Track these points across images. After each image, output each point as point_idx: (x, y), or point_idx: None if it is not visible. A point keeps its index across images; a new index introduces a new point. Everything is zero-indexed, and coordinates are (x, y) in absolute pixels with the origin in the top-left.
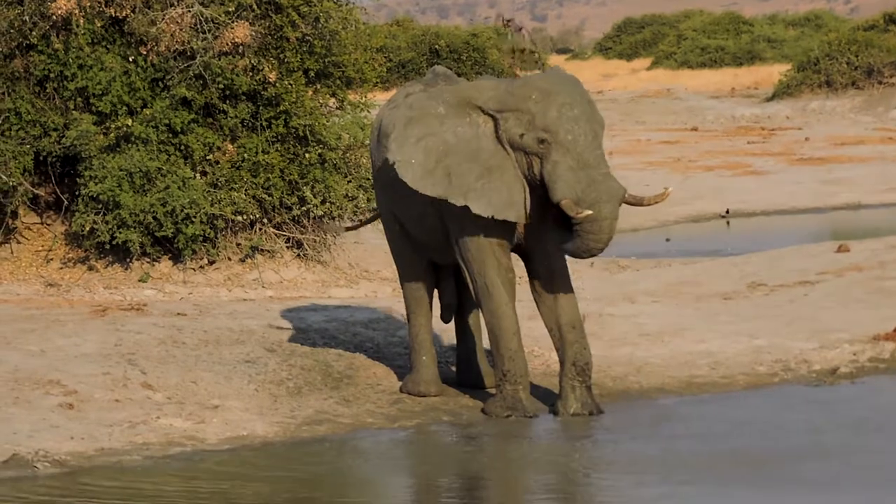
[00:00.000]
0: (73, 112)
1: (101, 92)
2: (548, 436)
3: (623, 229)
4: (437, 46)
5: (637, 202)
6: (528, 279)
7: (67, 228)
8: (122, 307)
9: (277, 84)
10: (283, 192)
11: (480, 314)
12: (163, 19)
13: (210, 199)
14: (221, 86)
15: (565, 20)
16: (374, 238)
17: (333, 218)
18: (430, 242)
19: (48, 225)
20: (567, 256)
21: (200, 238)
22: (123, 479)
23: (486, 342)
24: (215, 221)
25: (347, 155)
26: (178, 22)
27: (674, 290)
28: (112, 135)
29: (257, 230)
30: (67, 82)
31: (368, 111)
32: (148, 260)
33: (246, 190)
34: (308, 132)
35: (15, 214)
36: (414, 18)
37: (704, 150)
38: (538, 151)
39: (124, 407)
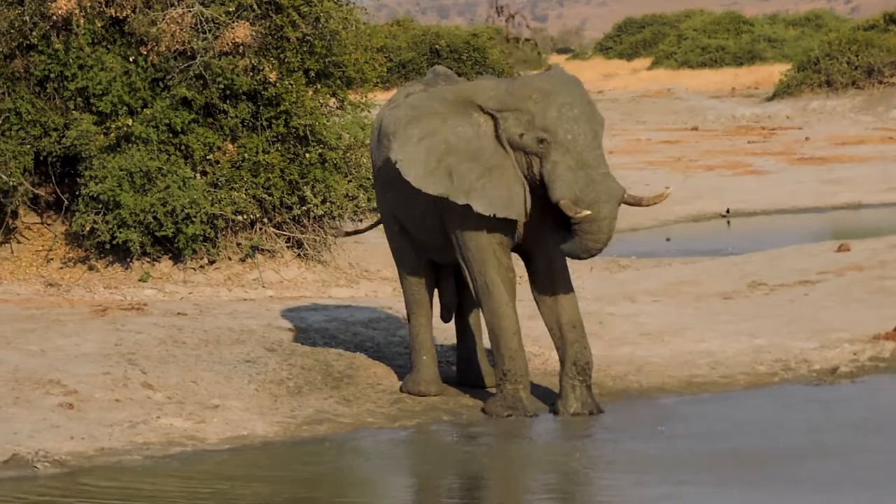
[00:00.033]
0: (74, 112)
1: (101, 92)
2: (548, 435)
3: (623, 229)
4: (437, 46)
5: (636, 202)
6: (528, 279)
7: (68, 228)
8: (123, 307)
9: (278, 84)
10: (283, 192)
11: (481, 314)
12: (163, 19)
13: (210, 198)
14: (222, 86)
15: (566, 20)
16: (375, 238)
17: (334, 217)
18: (430, 242)
19: (48, 225)
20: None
21: (201, 238)
22: (123, 478)
23: (486, 342)
24: (216, 221)
25: (348, 155)
26: (178, 22)
27: (674, 289)
28: (112, 135)
29: (257, 230)
30: (68, 82)
31: (369, 111)
32: (148, 260)
33: (246, 190)
34: (308, 132)
35: (15, 214)
36: (414, 18)
37: (705, 150)
38: (538, 151)
39: (124, 407)
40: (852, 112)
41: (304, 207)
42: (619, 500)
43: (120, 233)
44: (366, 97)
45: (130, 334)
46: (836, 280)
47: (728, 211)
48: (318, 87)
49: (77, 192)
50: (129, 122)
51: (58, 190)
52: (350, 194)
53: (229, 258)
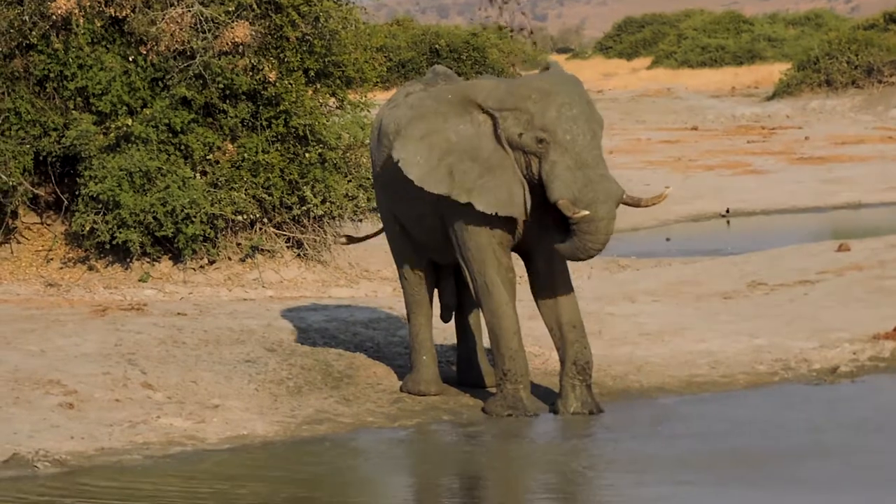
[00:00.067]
0: (73, 112)
1: (100, 92)
2: (548, 435)
3: (623, 228)
4: (437, 46)
5: (634, 203)
6: (528, 279)
7: (67, 228)
8: (123, 307)
9: (277, 84)
10: (283, 192)
11: (481, 313)
12: (163, 19)
13: (210, 198)
14: (221, 85)
15: (566, 19)
16: (375, 238)
17: (334, 217)
18: (430, 242)
19: (48, 225)
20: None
21: (200, 238)
22: (123, 478)
23: (486, 341)
24: (215, 221)
25: (347, 154)
26: (177, 21)
27: (674, 289)
28: (112, 134)
29: (257, 230)
30: (67, 82)
31: (368, 111)
32: (148, 260)
33: (246, 190)
34: (308, 132)
35: (15, 214)
36: (414, 18)
37: (705, 150)
38: (537, 151)
39: (124, 407)
40: (852, 111)
41: (304, 207)
42: (619, 500)
43: (120, 233)
44: (365, 97)
45: (130, 334)
46: (835, 280)
47: (728, 211)
48: (318, 86)
49: (77, 192)
50: (129, 121)
51: (57, 190)
52: (350, 194)
53: (229, 258)
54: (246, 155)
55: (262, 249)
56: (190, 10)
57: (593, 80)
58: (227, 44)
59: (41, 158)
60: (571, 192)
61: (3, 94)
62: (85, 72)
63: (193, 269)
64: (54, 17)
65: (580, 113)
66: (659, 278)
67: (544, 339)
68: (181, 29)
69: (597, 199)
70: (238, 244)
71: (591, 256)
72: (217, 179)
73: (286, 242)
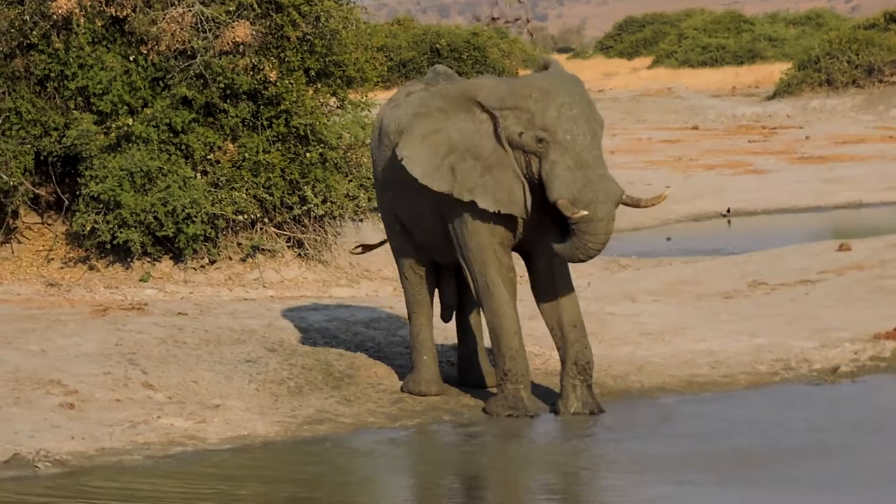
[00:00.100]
0: (74, 111)
1: (101, 91)
2: (549, 435)
3: (624, 228)
4: (437, 45)
5: (634, 203)
6: (529, 278)
7: (68, 228)
8: (123, 307)
9: (278, 83)
10: (283, 192)
11: (481, 313)
12: (163, 18)
13: (211, 198)
14: (222, 85)
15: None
16: (375, 238)
17: (334, 217)
18: (431, 242)
19: (49, 225)
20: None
21: (201, 237)
22: (124, 478)
23: (487, 341)
24: (216, 221)
25: (348, 154)
26: (178, 21)
27: (675, 288)
28: (113, 134)
29: (258, 230)
30: (68, 82)
31: (369, 110)
32: (149, 259)
33: (247, 189)
34: (309, 131)
35: (16, 214)
36: (415, 17)
37: (705, 149)
38: (536, 150)
39: (125, 407)
40: (853, 111)
41: (305, 207)
42: (619, 500)
43: (120, 233)
44: (366, 96)
45: (131, 334)
46: (836, 279)
47: (728, 210)
48: (319, 86)
49: (77, 192)
50: (130, 121)
51: (58, 190)
52: (350, 194)
53: (230, 258)
54: (247, 155)
55: (262, 249)
56: (191, 10)
57: (594, 79)
58: (228, 43)
59: (42, 158)
60: (571, 192)
61: (3, 93)
62: (86, 71)
63: (194, 268)
64: (55, 16)
65: (580, 113)
66: (660, 278)
67: (545, 339)
68: (182, 28)
69: (596, 200)
70: (239, 244)
71: (591, 257)
72: (218, 179)
73: (287, 242)
